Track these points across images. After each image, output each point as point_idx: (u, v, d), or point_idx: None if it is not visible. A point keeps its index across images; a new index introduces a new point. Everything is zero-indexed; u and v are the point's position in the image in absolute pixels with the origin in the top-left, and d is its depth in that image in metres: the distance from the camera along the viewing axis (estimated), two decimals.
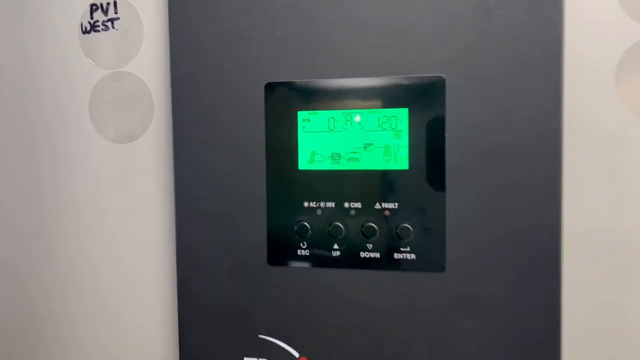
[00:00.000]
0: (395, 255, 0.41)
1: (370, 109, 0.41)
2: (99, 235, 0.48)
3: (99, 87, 0.46)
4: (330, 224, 0.41)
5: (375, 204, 0.41)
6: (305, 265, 0.42)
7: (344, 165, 0.41)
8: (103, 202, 0.48)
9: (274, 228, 0.43)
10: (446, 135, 0.39)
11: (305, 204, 0.42)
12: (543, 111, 0.38)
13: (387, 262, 0.41)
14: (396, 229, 0.41)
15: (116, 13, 0.46)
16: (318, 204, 0.42)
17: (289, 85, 0.42)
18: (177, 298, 0.45)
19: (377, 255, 0.41)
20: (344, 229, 0.41)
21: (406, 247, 0.41)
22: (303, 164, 0.42)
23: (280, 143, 0.42)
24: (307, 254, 0.42)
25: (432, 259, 0.40)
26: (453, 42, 0.39)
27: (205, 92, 0.43)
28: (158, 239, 0.47)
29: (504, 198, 0.39)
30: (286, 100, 0.42)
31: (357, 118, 0.41)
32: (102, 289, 0.49)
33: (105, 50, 0.46)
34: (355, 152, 0.41)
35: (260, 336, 0.44)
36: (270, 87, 0.42)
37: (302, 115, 0.42)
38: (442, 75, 0.39)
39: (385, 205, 0.41)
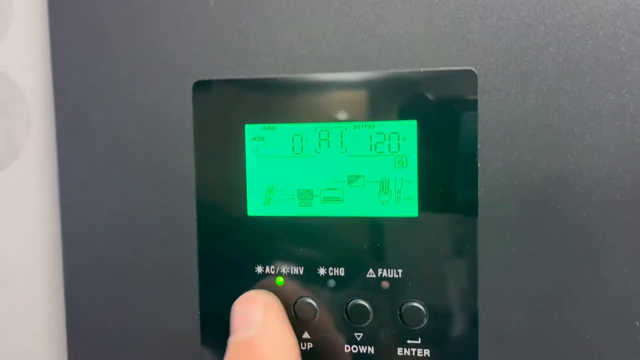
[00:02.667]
0: (399, 351, 0.26)
1: (358, 121, 0.26)
2: None
3: None
4: (297, 300, 0.26)
5: (366, 270, 0.26)
6: None
7: (317, 209, 0.26)
8: None
9: (211, 307, 0.28)
10: (479, 162, 0.25)
11: (258, 270, 0.27)
12: (639, 127, 0.23)
13: None
14: (400, 309, 0.26)
15: None
16: (278, 269, 0.27)
17: (231, 84, 0.27)
18: None
19: (370, 350, 0.26)
20: (317, 309, 0.26)
21: (416, 339, 0.26)
22: (254, 207, 0.27)
23: (219, 175, 0.27)
24: None
25: (456, 358, 0.26)
26: (487, 17, 0.24)
27: (105, 97, 0.28)
28: (41, 321, 0.32)
29: (568, 262, 0.24)
30: (227, 107, 0.27)
31: (338, 136, 0.26)
32: None
33: None
34: (336, 189, 0.26)
35: None
36: (201, 88, 0.27)
37: (251, 130, 0.27)
38: (473, 69, 0.25)
39: (383, 272, 0.26)
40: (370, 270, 0.26)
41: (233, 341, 0.24)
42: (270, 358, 0.23)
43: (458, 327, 0.25)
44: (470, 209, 0.25)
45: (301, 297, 0.26)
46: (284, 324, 0.25)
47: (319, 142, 0.26)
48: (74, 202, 0.29)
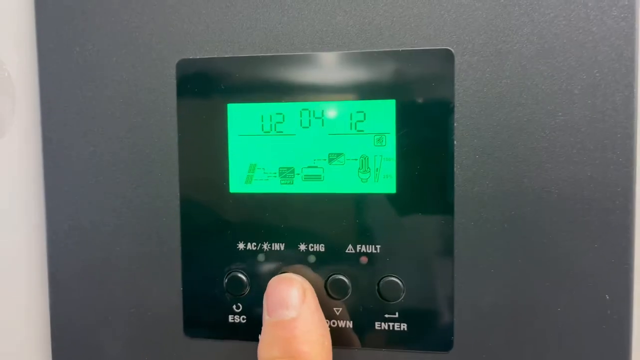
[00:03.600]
0: (377, 325, 0.27)
1: (338, 100, 0.26)
2: None
3: None
4: None
5: (346, 246, 0.27)
6: (240, 338, 0.28)
7: (298, 186, 0.27)
8: None
9: (193, 282, 0.28)
10: (455, 140, 0.25)
11: (240, 246, 0.27)
12: (610, 105, 0.24)
13: (364, 336, 0.27)
14: (378, 284, 0.26)
15: None
16: (259, 245, 0.27)
17: (213, 63, 0.27)
18: None
19: (350, 324, 0.27)
20: None
21: (393, 313, 0.26)
22: (236, 184, 0.27)
23: (201, 153, 0.28)
24: (243, 321, 0.28)
25: (432, 331, 0.26)
26: None
27: (89, 74, 0.28)
28: (23, 303, 0.32)
29: (541, 236, 0.25)
30: (210, 86, 0.27)
31: (319, 114, 0.27)
32: None
33: None
34: (316, 167, 0.27)
35: None
36: (184, 67, 0.27)
37: (234, 109, 0.27)
38: (450, 49, 0.25)
39: (362, 248, 0.26)
40: (350, 246, 0.27)
41: (272, 321, 0.24)
42: (312, 343, 0.23)
43: (434, 301, 0.26)
44: (446, 186, 0.25)
45: (282, 272, 0.27)
46: (320, 309, 0.25)
47: (300, 120, 0.27)
48: (58, 178, 0.29)
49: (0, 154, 0.31)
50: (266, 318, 0.24)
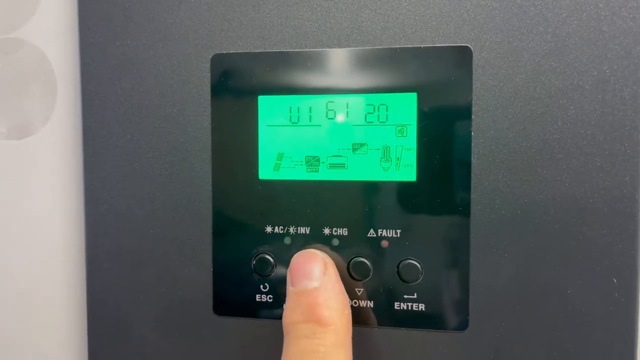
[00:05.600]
0: (397, 306, 0.28)
1: (362, 93, 0.28)
2: None
3: None
4: None
5: (367, 230, 0.28)
6: (267, 316, 0.29)
7: (323, 174, 0.29)
8: None
9: (223, 263, 0.30)
10: (472, 132, 0.27)
11: (268, 229, 0.29)
12: (619, 100, 0.26)
13: (384, 316, 0.28)
14: (398, 267, 0.28)
15: None
16: (286, 229, 0.29)
17: (245, 57, 0.29)
18: (88, 353, 0.32)
19: (370, 304, 0.29)
20: None
21: (412, 294, 0.28)
22: (265, 171, 0.29)
23: (233, 142, 0.29)
24: (270, 300, 0.29)
25: (449, 311, 0.28)
26: None
27: (127, 68, 0.30)
28: (62, 280, 0.34)
29: (552, 222, 0.27)
30: (242, 79, 0.29)
31: (344, 107, 0.28)
32: None
33: None
34: (341, 156, 0.29)
35: None
36: (218, 61, 0.29)
37: (264, 102, 0.29)
38: (469, 46, 0.27)
39: (383, 232, 0.28)
40: (371, 230, 0.28)
41: (295, 290, 0.26)
42: (333, 309, 0.25)
43: (451, 283, 0.28)
44: (463, 174, 0.27)
45: None
46: (340, 281, 0.27)
47: (327, 112, 0.29)
48: (96, 165, 0.31)
49: (43, 141, 0.33)
50: (290, 288, 0.26)
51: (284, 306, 0.26)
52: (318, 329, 0.24)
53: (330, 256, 0.28)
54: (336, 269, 0.27)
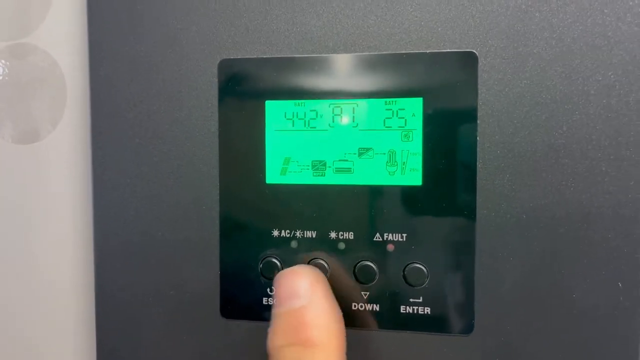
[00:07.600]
0: (402, 309, 0.28)
1: (368, 98, 0.28)
2: None
3: None
4: (310, 262, 0.29)
5: (373, 234, 0.29)
6: None
7: (330, 178, 0.29)
8: None
9: (230, 266, 0.30)
10: (478, 136, 0.27)
11: (275, 233, 0.30)
12: (624, 105, 0.26)
13: (389, 319, 0.29)
14: (404, 270, 0.28)
15: None
16: (293, 233, 0.29)
17: (253, 63, 0.29)
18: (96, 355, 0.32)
19: (376, 307, 0.29)
20: (328, 270, 0.29)
21: (418, 298, 0.28)
22: (272, 176, 0.29)
23: (240, 146, 0.30)
24: None
25: (454, 315, 0.28)
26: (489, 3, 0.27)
27: (136, 73, 0.31)
28: (71, 283, 0.34)
29: (557, 226, 0.27)
30: (249, 84, 0.29)
31: (350, 111, 0.29)
32: None
33: None
34: (347, 160, 0.29)
35: None
36: (226, 66, 0.30)
37: (271, 106, 0.29)
38: (474, 51, 0.27)
39: (389, 236, 0.28)
40: (377, 234, 0.28)
41: (281, 311, 0.24)
42: (322, 328, 0.23)
43: (456, 286, 0.28)
44: (469, 178, 0.27)
45: (313, 258, 0.29)
46: (331, 296, 0.25)
47: (333, 117, 0.29)
48: (105, 167, 0.31)
49: (52, 145, 0.33)
50: (275, 311, 0.25)
51: (268, 330, 0.25)
52: (305, 352, 0.23)
53: (336, 260, 0.29)
54: (327, 285, 0.25)
